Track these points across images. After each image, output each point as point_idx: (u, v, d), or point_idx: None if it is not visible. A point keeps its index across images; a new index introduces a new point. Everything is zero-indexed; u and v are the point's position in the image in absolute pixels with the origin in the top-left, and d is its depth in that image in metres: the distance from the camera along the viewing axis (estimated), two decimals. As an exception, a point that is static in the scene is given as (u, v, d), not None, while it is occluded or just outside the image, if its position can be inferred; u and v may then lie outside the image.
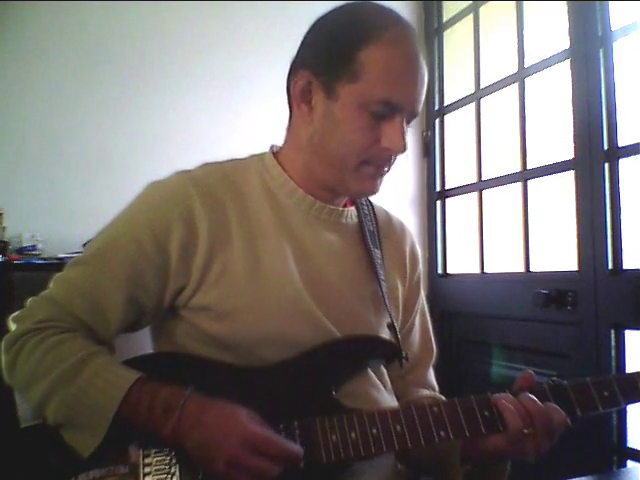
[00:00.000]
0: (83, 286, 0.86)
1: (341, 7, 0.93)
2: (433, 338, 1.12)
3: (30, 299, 0.88)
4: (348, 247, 0.99)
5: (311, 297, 0.91)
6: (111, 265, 0.87)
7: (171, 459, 0.79)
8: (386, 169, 0.94)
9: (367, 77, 0.86)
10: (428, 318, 1.13)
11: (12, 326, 0.86)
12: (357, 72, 0.86)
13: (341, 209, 1.00)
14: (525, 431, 0.80)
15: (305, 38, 0.95)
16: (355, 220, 1.03)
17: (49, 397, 0.79)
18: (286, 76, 0.97)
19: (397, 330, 0.99)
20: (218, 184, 0.93)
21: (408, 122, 0.92)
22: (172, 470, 0.78)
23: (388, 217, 1.11)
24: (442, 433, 0.82)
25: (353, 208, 1.04)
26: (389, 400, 0.97)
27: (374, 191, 0.95)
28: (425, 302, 1.13)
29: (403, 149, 0.89)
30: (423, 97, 0.91)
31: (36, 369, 0.81)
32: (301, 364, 0.88)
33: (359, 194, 0.99)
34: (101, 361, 0.81)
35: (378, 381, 0.97)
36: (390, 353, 0.96)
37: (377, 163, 0.91)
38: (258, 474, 0.75)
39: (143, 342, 0.97)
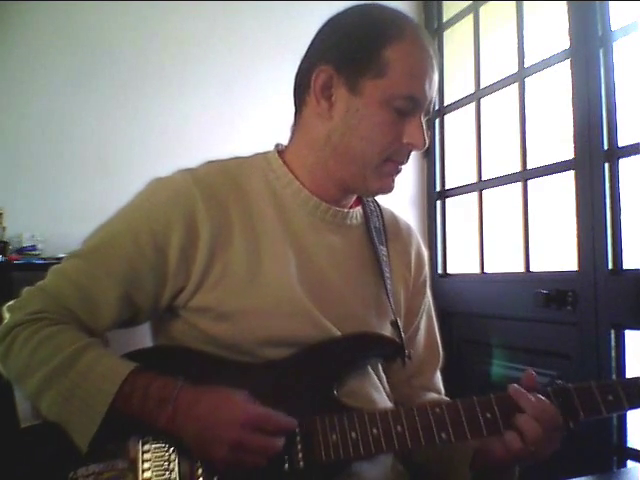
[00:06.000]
0: (78, 279, 0.86)
1: (356, 7, 0.94)
2: (440, 341, 1.11)
3: (25, 289, 0.87)
4: (353, 249, 0.99)
5: (311, 299, 0.90)
6: (108, 261, 0.87)
7: (170, 454, 0.79)
8: (402, 167, 0.95)
9: (392, 73, 0.88)
10: (435, 321, 1.12)
11: (6, 315, 0.86)
12: (382, 68, 0.88)
13: (346, 210, 0.99)
14: (532, 448, 0.81)
15: (321, 35, 0.95)
16: (361, 220, 1.02)
17: (43, 391, 0.79)
18: (296, 73, 0.96)
19: (400, 328, 0.98)
20: (221, 183, 0.92)
21: (426, 114, 0.93)
22: (171, 466, 0.78)
23: (395, 218, 1.11)
24: (443, 435, 0.82)
25: (359, 208, 1.03)
26: (388, 403, 0.97)
27: (392, 189, 0.95)
28: (432, 305, 1.12)
29: (425, 144, 0.91)
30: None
31: (29, 362, 0.81)
32: (301, 361, 0.88)
33: (378, 192, 0.98)
34: (94, 354, 0.81)
35: (378, 382, 0.97)
36: (391, 350, 0.95)
37: (398, 160, 0.93)
38: (264, 451, 0.76)
39: (143, 338, 0.97)
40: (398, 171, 0.95)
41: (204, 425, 0.77)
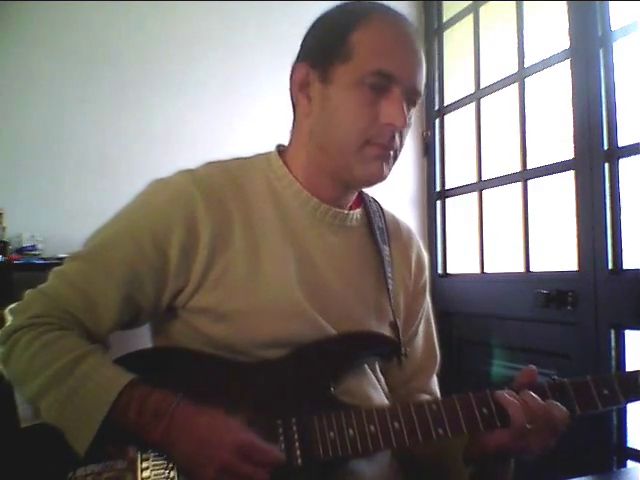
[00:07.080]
0: (78, 282, 0.86)
1: (335, 6, 0.95)
2: (437, 346, 1.10)
3: (27, 292, 0.87)
4: (353, 250, 0.98)
5: (310, 301, 0.90)
6: (108, 263, 0.86)
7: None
8: (391, 152, 0.91)
9: (358, 54, 0.87)
10: (433, 325, 1.11)
11: (8, 318, 0.86)
12: (349, 52, 0.87)
13: (346, 212, 0.98)
14: (528, 426, 0.80)
15: (304, 37, 0.96)
16: (361, 221, 1.02)
17: (41, 396, 0.79)
18: (288, 77, 0.96)
19: (399, 329, 0.98)
20: (222, 184, 0.92)
21: (411, 102, 0.90)
22: (170, 465, 0.78)
23: (396, 221, 1.10)
24: (440, 430, 0.82)
25: (359, 210, 1.02)
26: (386, 401, 0.97)
27: (382, 175, 0.91)
28: (431, 309, 1.12)
29: (403, 122, 0.88)
30: (421, 76, 0.91)
31: (29, 367, 0.81)
32: (298, 360, 0.88)
33: (368, 179, 0.93)
34: (93, 362, 0.81)
35: (376, 381, 0.97)
36: (387, 348, 0.95)
37: (380, 142, 0.89)
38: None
39: (143, 338, 0.97)
40: (387, 156, 0.91)
41: (197, 444, 0.76)
